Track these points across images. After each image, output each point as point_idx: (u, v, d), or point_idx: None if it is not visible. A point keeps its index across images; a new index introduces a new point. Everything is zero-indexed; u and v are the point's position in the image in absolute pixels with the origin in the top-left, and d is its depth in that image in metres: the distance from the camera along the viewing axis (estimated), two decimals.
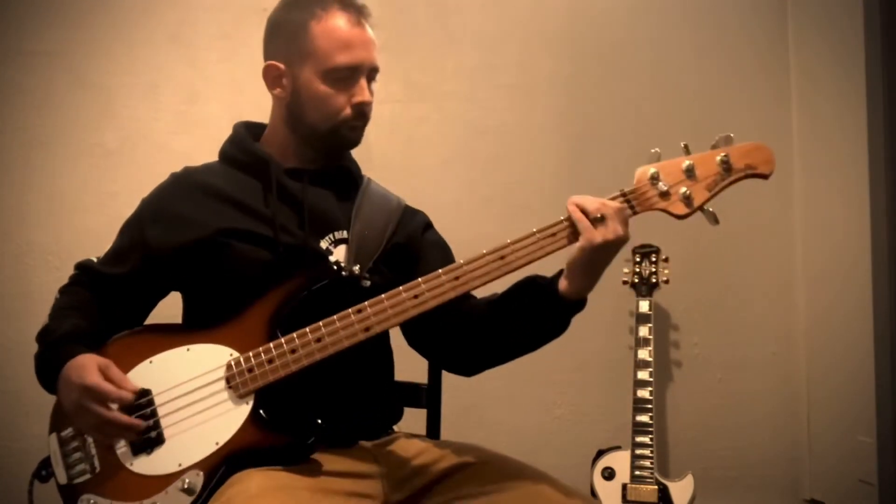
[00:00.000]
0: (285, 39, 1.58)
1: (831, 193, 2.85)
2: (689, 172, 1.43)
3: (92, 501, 1.42)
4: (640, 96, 2.94)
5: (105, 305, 1.59)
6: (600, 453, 2.63)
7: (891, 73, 2.58)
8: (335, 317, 1.42)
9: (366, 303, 1.42)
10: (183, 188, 1.61)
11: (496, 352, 1.57)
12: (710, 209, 1.45)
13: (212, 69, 2.71)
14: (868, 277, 2.62)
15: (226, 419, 1.41)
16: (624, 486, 2.55)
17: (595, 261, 1.41)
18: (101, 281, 1.60)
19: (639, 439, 2.57)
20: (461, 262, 1.43)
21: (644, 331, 2.66)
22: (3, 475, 2.39)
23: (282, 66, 1.58)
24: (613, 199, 1.43)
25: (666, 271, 2.70)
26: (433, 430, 1.78)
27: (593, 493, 2.57)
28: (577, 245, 1.40)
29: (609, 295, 2.83)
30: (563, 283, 1.43)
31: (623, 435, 2.63)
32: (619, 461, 2.59)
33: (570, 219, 1.41)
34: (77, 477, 1.45)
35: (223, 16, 2.73)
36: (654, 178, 1.43)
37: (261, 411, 1.41)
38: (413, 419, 1.73)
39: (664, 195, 1.43)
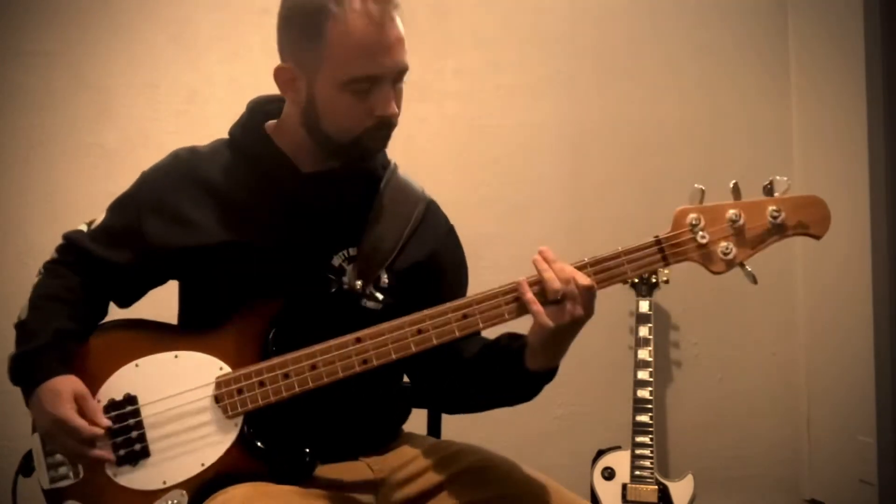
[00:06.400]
0: (298, 39, 1.37)
1: (831, 193, 2.83)
2: (734, 223, 1.28)
3: None
4: (639, 96, 2.93)
5: (94, 289, 1.49)
6: (600, 453, 2.63)
7: (891, 73, 2.57)
8: (332, 342, 1.33)
9: (367, 331, 1.33)
10: (188, 182, 1.47)
11: (472, 404, 1.53)
12: (749, 268, 1.30)
13: (212, 69, 2.71)
14: (868, 277, 2.62)
15: (213, 440, 1.36)
16: (624, 486, 2.55)
17: (554, 341, 1.31)
18: (92, 263, 1.48)
19: (639, 439, 2.57)
20: (472, 298, 1.32)
21: (644, 331, 2.66)
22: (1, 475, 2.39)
23: (294, 70, 1.39)
24: (646, 246, 1.31)
25: (666, 271, 2.70)
26: (434, 429, 1.77)
27: (593, 493, 2.57)
28: (532, 328, 1.30)
29: (609, 295, 2.80)
30: (528, 358, 1.33)
31: (623, 435, 2.63)
32: (619, 461, 2.59)
33: (517, 293, 1.30)
34: (59, 480, 1.39)
35: (223, 16, 2.73)
36: (695, 226, 1.28)
37: (249, 431, 1.36)
38: (413, 419, 1.73)
39: (702, 247, 1.29)
